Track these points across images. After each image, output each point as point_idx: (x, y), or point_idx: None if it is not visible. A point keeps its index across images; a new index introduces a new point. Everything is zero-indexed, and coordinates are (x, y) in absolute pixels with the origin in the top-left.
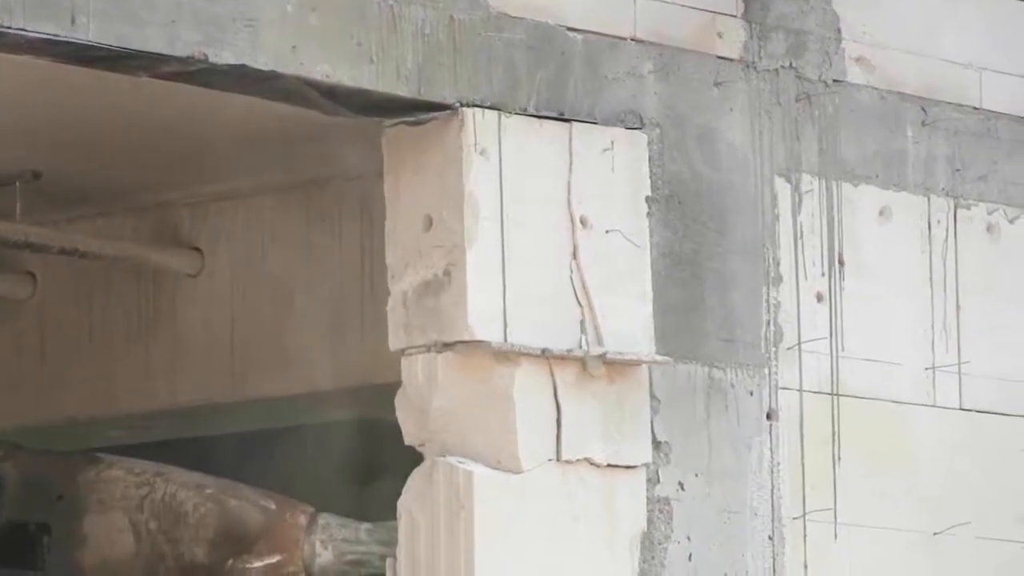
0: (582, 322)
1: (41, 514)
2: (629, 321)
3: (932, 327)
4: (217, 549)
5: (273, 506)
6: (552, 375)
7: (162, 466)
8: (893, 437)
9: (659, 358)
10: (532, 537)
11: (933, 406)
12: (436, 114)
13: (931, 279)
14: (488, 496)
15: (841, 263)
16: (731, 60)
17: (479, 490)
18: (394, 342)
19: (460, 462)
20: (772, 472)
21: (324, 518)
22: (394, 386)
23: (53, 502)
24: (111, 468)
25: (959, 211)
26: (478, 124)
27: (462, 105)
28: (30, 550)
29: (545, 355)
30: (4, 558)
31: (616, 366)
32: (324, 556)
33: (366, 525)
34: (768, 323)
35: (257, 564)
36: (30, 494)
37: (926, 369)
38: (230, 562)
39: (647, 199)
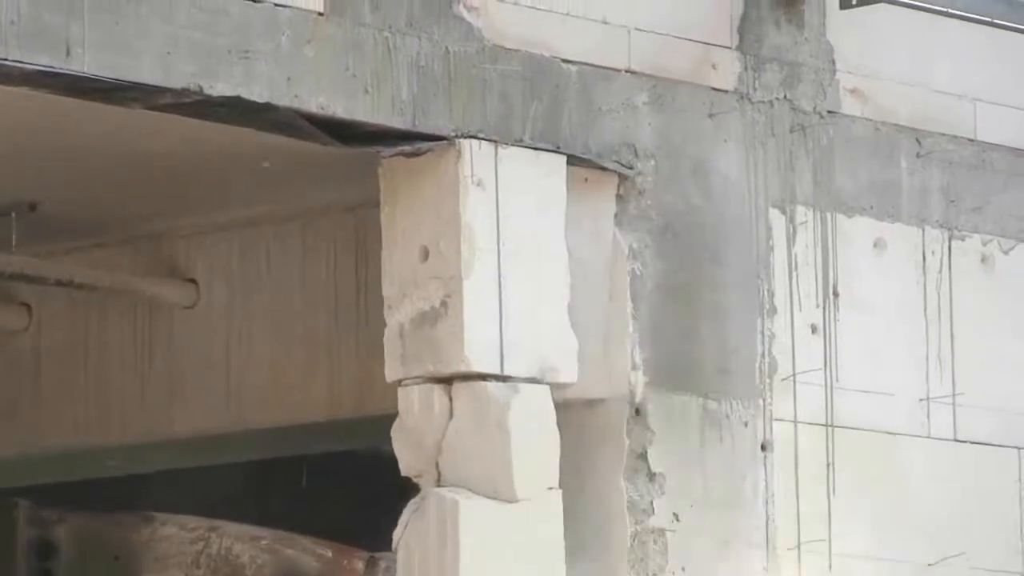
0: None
1: (99, 575)
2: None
3: (927, 358)
4: None
5: (329, 553)
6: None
7: (215, 521)
8: (887, 468)
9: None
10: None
11: (928, 437)
12: (432, 145)
13: (925, 310)
14: (475, 526)
15: (835, 294)
16: (725, 91)
17: (465, 520)
18: (390, 373)
19: (451, 492)
20: (767, 503)
21: (385, 561)
22: (390, 417)
23: (110, 563)
24: (165, 526)
25: (954, 242)
26: (475, 155)
27: (457, 136)
28: None
29: (542, 385)
30: None
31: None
32: None
33: None
34: (763, 354)
35: None
36: (87, 557)
37: (920, 400)
38: None
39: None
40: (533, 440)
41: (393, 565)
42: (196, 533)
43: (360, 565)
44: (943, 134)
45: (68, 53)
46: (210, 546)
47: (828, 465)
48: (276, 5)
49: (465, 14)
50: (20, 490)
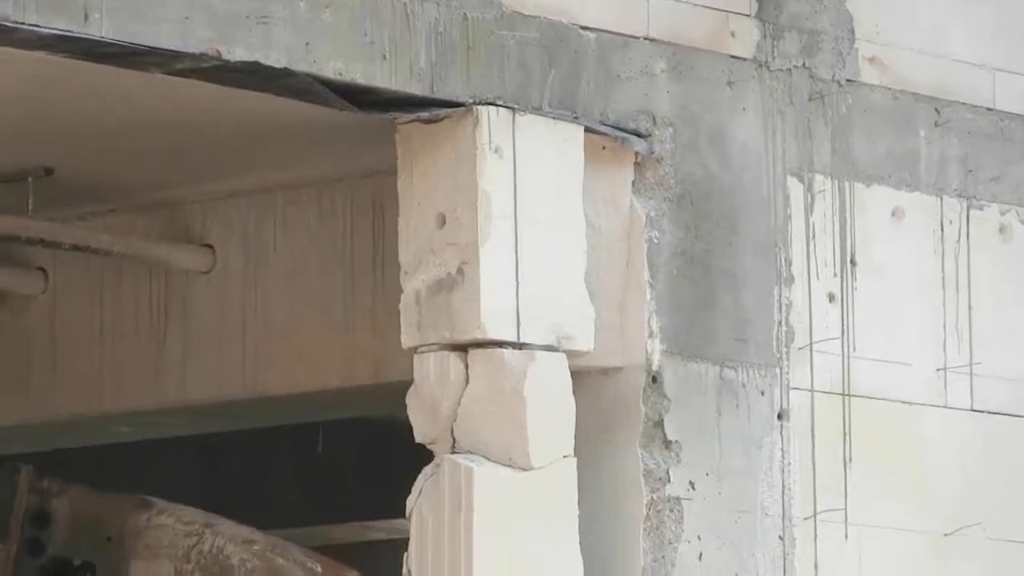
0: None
1: (89, 553)
2: None
3: (944, 328)
4: None
5: (319, 568)
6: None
7: (212, 516)
8: (904, 438)
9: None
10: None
11: (944, 407)
12: (450, 111)
13: (943, 280)
14: (490, 493)
15: (853, 263)
16: (744, 59)
17: (480, 487)
18: (406, 340)
19: (466, 459)
20: (783, 472)
21: None
22: (406, 384)
23: (102, 543)
24: (162, 515)
25: (972, 212)
26: (492, 122)
27: (475, 103)
28: None
29: (558, 353)
30: None
31: None
32: None
33: None
34: (780, 323)
35: None
36: (79, 532)
37: (937, 370)
38: None
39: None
40: (549, 408)
41: None
42: (191, 527)
43: None
44: (962, 103)
45: (86, 18)
46: (203, 542)
47: (844, 434)
48: None
49: None
50: (27, 455)
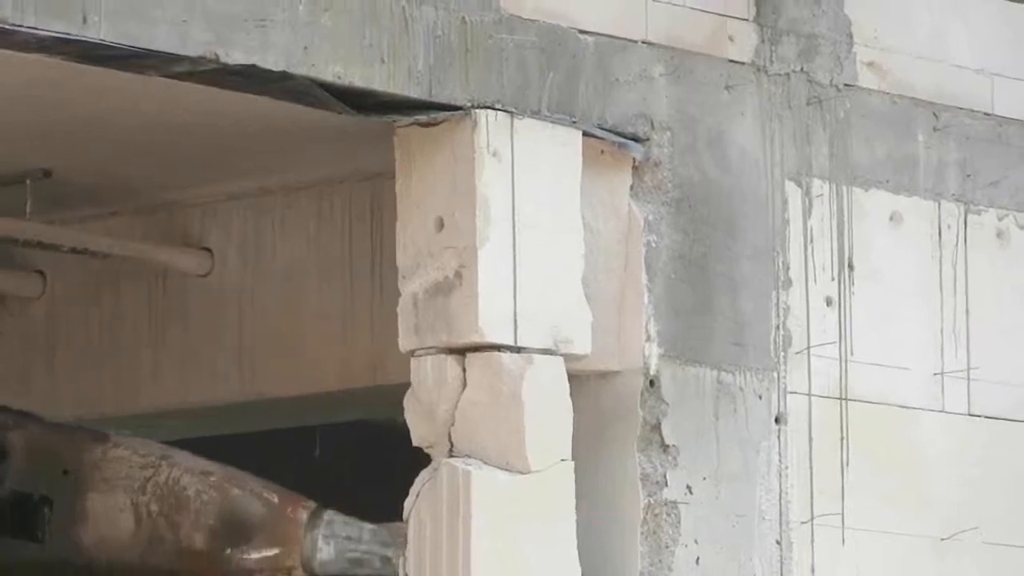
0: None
1: (45, 487)
2: None
3: (941, 332)
4: (216, 537)
5: (276, 499)
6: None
7: (169, 448)
8: (901, 442)
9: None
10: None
11: (942, 411)
12: (448, 115)
13: (941, 284)
14: (487, 496)
15: (851, 268)
16: (742, 64)
17: (477, 490)
18: (404, 343)
19: (464, 463)
20: (780, 476)
21: (328, 515)
22: (404, 387)
23: (58, 476)
24: (118, 447)
25: (969, 217)
26: (490, 126)
27: (473, 107)
28: (32, 522)
29: (555, 356)
30: (5, 528)
31: None
32: (325, 552)
33: (370, 525)
34: (777, 327)
35: (254, 555)
36: (36, 466)
37: (935, 374)
38: (228, 551)
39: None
40: (546, 411)
41: (337, 520)
42: (147, 459)
43: (304, 515)
44: (960, 108)
45: (84, 20)
46: (159, 474)
47: (842, 439)
48: None
49: None
50: None
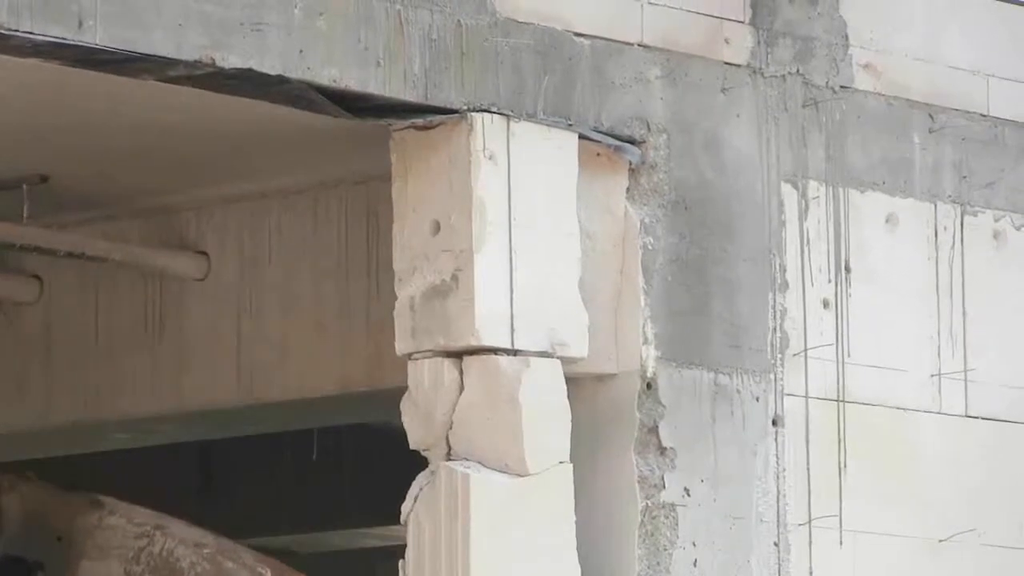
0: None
1: (39, 552)
2: None
3: (938, 334)
4: None
5: (268, 573)
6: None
7: (163, 517)
8: (898, 444)
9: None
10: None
11: (939, 413)
12: (444, 118)
13: (937, 286)
14: (485, 499)
15: (847, 269)
16: (738, 66)
17: (475, 493)
18: (401, 347)
19: (462, 466)
20: (778, 478)
21: None
22: (401, 391)
23: (52, 542)
24: (112, 515)
25: (966, 218)
26: (486, 129)
27: (469, 110)
28: None
29: (552, 359)
30: None
31: None
32: None
33: None
34: (774, 329)
35: None
36: (30, 531)
37: (932, 376)
38: None
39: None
40: (544, 414)
41: None
42: (142, 528)
43: None
44: (956, 109)
45: (80, 25)
46: (153, 544)
47: (839, 441)
48: None
49: None
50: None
